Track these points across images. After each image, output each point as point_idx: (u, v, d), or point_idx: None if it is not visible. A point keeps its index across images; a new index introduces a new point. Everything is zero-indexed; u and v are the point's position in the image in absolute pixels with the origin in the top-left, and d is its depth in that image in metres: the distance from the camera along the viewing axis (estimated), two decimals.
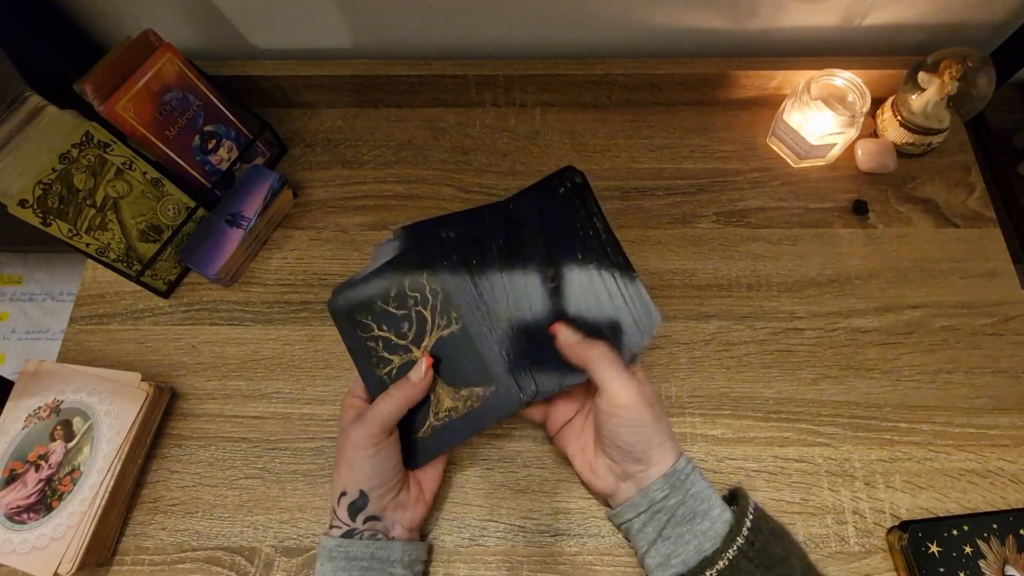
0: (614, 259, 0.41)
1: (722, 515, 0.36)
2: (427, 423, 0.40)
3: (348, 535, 0.37)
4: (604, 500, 0.42)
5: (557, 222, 0.41)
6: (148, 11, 0.55)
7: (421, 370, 0.38)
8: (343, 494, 0.37)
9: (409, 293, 0.40)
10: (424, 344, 0.39)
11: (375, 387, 0.41)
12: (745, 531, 0.35)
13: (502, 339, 0.38)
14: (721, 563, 0.34)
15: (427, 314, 0.39)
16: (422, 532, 0.42)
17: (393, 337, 0.40)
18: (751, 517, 0.36)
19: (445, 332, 0.39)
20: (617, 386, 0.36)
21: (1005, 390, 0.47)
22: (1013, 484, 0.44)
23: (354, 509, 0.37)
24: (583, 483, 0.42)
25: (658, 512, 0.36)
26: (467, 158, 0.58)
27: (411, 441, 0.40)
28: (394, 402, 0.37)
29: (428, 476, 0.42)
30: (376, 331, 0.40)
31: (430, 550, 0.42)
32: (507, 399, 0.38)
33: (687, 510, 0.36)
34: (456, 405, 0.39)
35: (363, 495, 0.37)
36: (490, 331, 0.38)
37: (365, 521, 0.37)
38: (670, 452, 0.37)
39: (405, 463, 0.40)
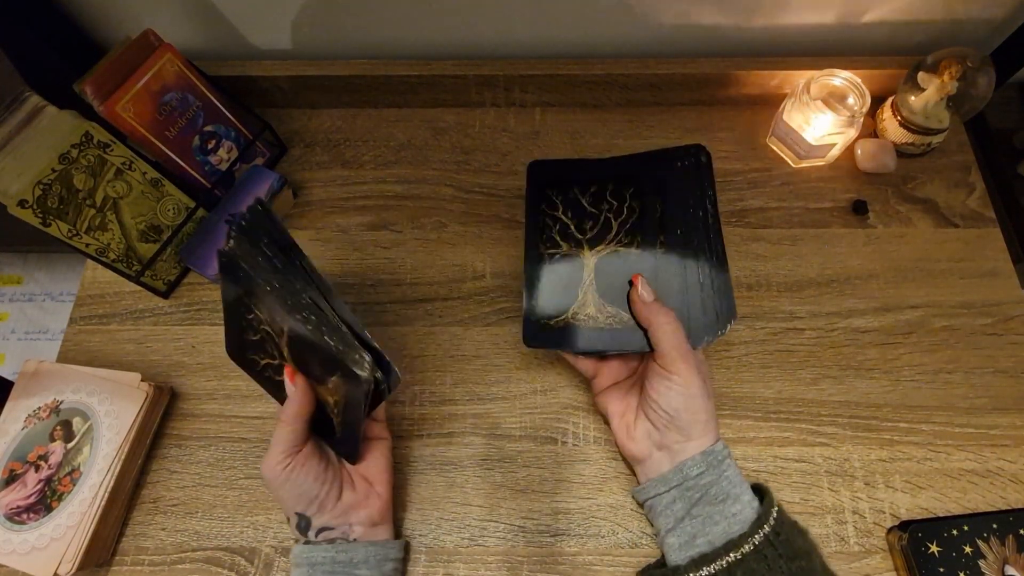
0: (714, 246, 0.41)
1: (752, 502, 0.36)
2: (335, 422, 0.38)
3: (308, 542, 0.38)
4: (633, 466, 0.43)
5: (674, 194, 0.42)
6: (148, 11, 0.55)
7: (288, 382, 0.37)
8: (288, 519, 0.38)
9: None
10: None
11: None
12: (772, 520, 0.35)
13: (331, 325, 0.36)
14: (747, 547, 0.34)
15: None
16: (394, 529, 0.42)
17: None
18: (777, 509, 0.36)
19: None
20: (678, 353, 0.37)
21: (1005, 390, 0.47)
22: (1013, 484, 0.44)
23: (303, 529, 0.38)
24: (618, 444, 0.42)
25: (690, 489, 0.37)
26: (467, 158, 0.58)
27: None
28: (283, 426, 0.37)
29: (372, 471, 0.41)
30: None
31: (405, 547, 0.41)
32: (354, 381, 0.35)
33: (719, 491, 0.36)
34: (337, 398, 0.37)
35: (302, 516, 0.37)
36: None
37: (318, 533, 0.38)
38: (711, 432, 0.38)
39: (347, 457, 0.40)
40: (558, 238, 0.41)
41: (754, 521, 0.35)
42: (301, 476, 0.37)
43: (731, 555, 0.34)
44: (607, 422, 0.43)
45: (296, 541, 0.39)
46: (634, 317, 0.40)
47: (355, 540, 0.38)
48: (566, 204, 0.41)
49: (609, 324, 0.40)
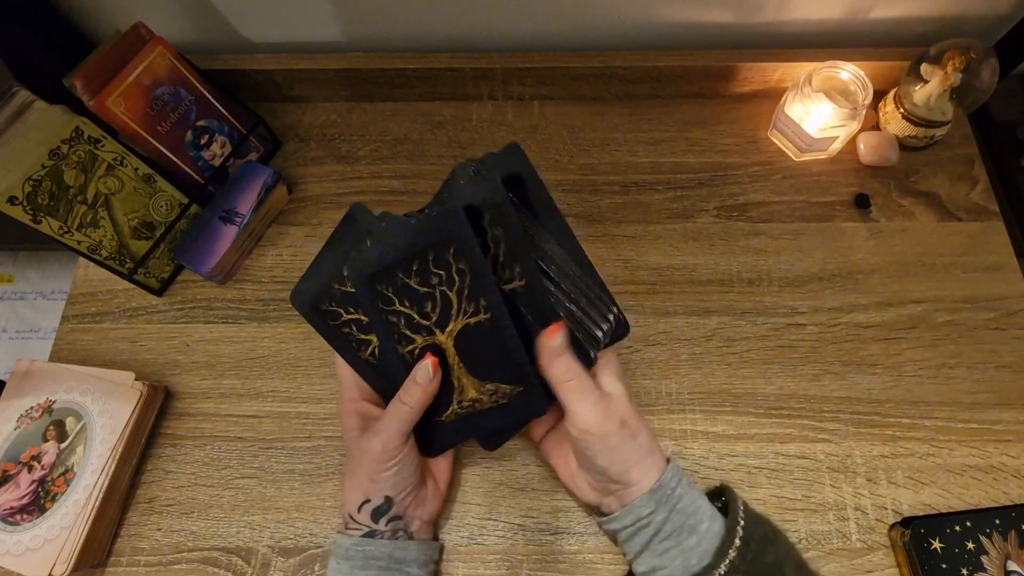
0: (551, 254, 0.37)
1: (711, 527, 0.34)
2: (451, 408, 0.38)
3: (370, 535, 0.36)
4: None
5: (494, 223, 0.36)
6: (138, 4, 0.54)
7: (428, 372, 0.36)
8: (367, 501, 0.36)
9: (434, 270, 0.35)
10: (449, 329, 0.37)
11: (387, 369, 0.37)
12: (737, 542, 0.33)
13: (523, 338, 0.36)
14: None
15: (453, 296, 0.36)
16: (435, 528, 0.42)
17: (416, 315, 0.36)
18: (742, 526, 0.34)
19: (472, 320, 0.36)
20: (581, 409, 0.35)
21: (1008, 385, 0.47)
22: (1016, 479, 0.44)
23: (378, 514, 0.37)
24: (568, 493, 0.42)
25: (644, 527, 0.35)
26: (464, 152, 0.57)
27: (432, 424, 0.39)
28: (408, 412, 0.36)
29: (440, 467, 0.41)
30: (398, 305, 0.37)
31: (442, 549, 0.42)
32: (535, 402, 0.37)
33: (673, 526, 0.34)
34: (481, 398, 0.37)
35: (388, 500, 0.37)
36: (514, 327, 0.36)
37: (388, 522, 0.37)
38: (652, 468, 0.35)
39: (422, 450, 0.39)
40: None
41: (717, 549, 0.33)
42: (408, 463, 0.36)
43: None
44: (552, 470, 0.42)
45: (347, 531, 0.37)
46: (532, 369, 0.36)
47: (411, 534, 0.38)
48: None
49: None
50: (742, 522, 0.34)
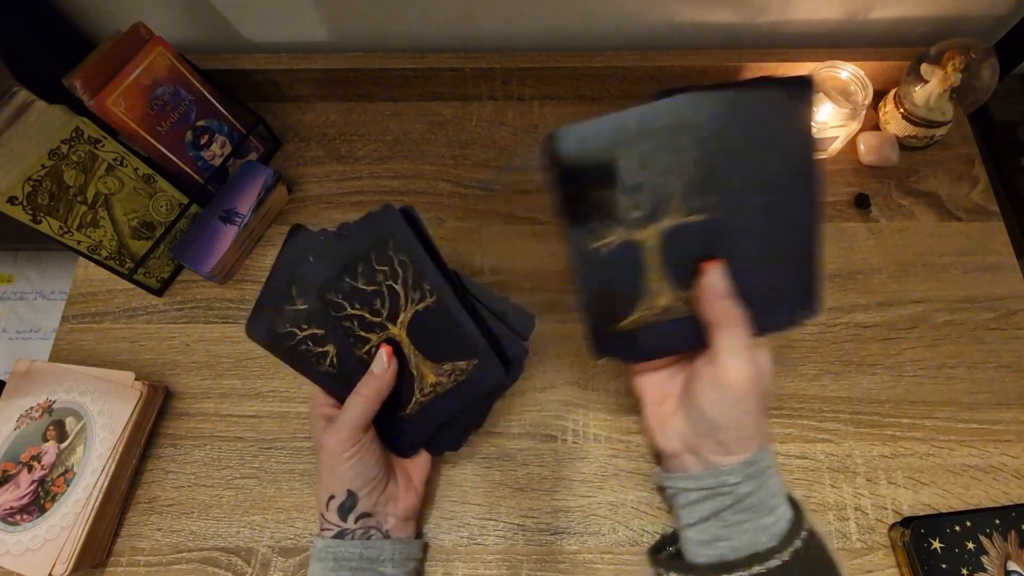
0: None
1: (785, 515, 0.34)
2: (414, 399, 0.39)
3: (340, 535, 0.37)
4: (657, 456, 0.40)
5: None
6: (138, 4, 0.54)
7: (383, 360, 0.37)
8: (331, 497, 0.37)
9: (377, 268, 0.37)
10: (400, 320, 0.38)
11: (347, 375, 0.38)
12: (804, 532, 0.33)
13: (471, 311, 0.37)
14: (774, 561, 0.32)
15: (399, 288, 0.37)
16: (418, 526, 0.42)
17: (367, 314, 0.38)
18: (808, 527, 0.34)
19: (420, 306, 0.37)
20: (737, 362, 0.33)
21: (1008, 385, 0.47)
22: (1016, 479, 0.44)
23: (344, 510, 0.37)
24: (645, 431, 0.40)
25: (724, 495, 0.34)
26: (464, 152, 0.57)
27: (398, 421, 0.39)
28: (364, 401, 0.36)
29: (415, 464, 0.41)
30: (349, 310, 0.38)
31: (425, 548, 0.42)
32: (492, 372, 0.37)
33: (755, 501, 0.33)
34: (440, 380, 0.38)
35: (351, 495, 0.37)
36: (462, 303, 0.37)
37: (357, 519, 0.37)
38: (755, 443, 0.34)
39: (394, 449, 0.40)
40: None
41: (785, 535, 0.33)
42: (367, 455, 0.36)
43: (756, 567, 0.32)
44: (638, 404, 0.40)
45: (321, 533, 0.37)
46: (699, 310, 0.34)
47: (386, 532, 0.38)
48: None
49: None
50: (808, 526, 0.34)
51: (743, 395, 0.33)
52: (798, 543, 0.32)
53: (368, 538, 0.37)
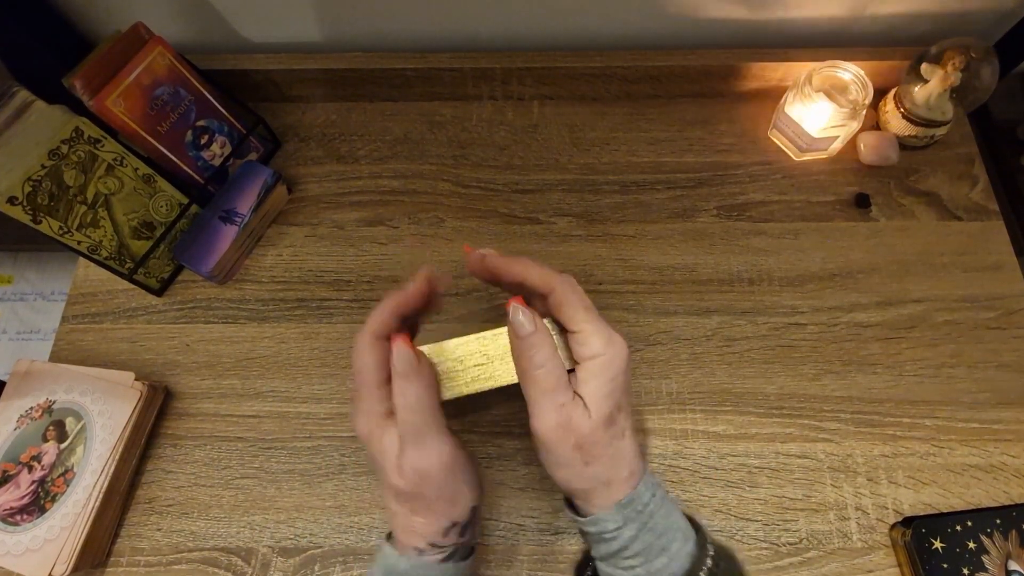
0: None
1: (683, 548, 0.31)
2: None
3: (450, 556, 0.31)
4: None
5: None
6: (138, 4, 0.54)
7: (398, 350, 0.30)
8: (453, 525, 0.31)
9: None
10: None
11: None
12: (707, 565, 0.30)
13: None
14: None
15: None
16: None
17: None
18: (711, 554, 0.31)
19: None
20: (536, 412, 0.29)
21: (1008, 384, 0.47)
22: (1016, 479, 0.44)
23: (462, 528, 0.31)
24: None
25: (609, 541, 0.31)
26: (464, 152, 0.57)
27: None
28: (414, 400, 0.29)
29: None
30: None
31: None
32: None
33: (642, 544, 0.30)
34: None
35: (472, 511, 0.32)
36: None
37: (460, 534, 0.32)
38: (621, 488, 0.30)
39: None
40: None
41: (687, 572, 0.30)
42: (469, 460, 0.32)
43: None
44: None
45: (415, 551, 0.31)
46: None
47: (471, 553, 0.33)
48: None
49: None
50: (710, 548, 0.31)
51: (552, 446, 0.29)
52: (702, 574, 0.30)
53: (457, 558, 0.32)
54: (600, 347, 0.29)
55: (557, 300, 0.30)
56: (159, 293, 0.51)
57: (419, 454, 0.29)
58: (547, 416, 0.29)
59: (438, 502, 0.30)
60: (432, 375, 0.30)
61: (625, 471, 0.31)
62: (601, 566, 0.33)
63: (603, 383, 0.29)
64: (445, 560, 0.31)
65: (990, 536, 0.40)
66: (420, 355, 0.30)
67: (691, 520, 0.33)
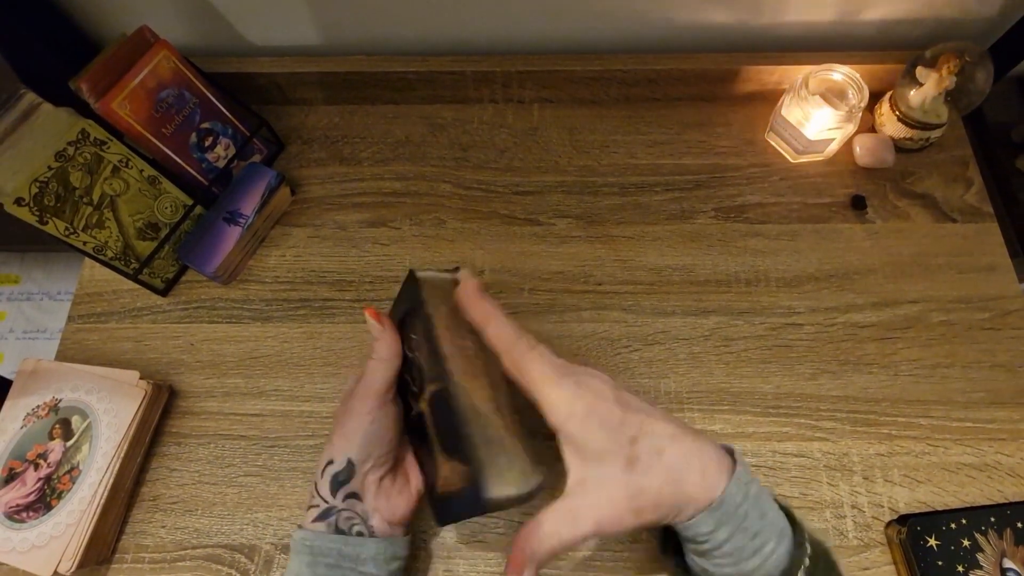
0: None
1: (776, 549, 0.29)
2: (437, 483, 0.35)
3: (325, 514, 0.34)
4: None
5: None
6: (144, 8, 0.55)
7: (370, 323, 0.36)
8: (330, 463, 0.35)
9: (411, 336, 0.36)
10: (424, 396, 0.35)
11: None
12: (804, 566, 0.29)
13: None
14: None
15: (423, 363, 0.35)
16: (408, 525, 0.39)
17: (410, 382, 0.36)
18: (809, 554, 0.29)
19: (434, 387, 0.34)
20: (554, 392, 0.29)
21: (1002, 384, 0.47)
22: (1010, 477, 0.44)
23: (336, 482, 0.34)
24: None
25: (702, 543, 0.30)
26: (465, 154, 0.58)
27: (434, 497, 0.36)
28: (375, 364, 0.35)
29: (415, 471, 0.39)
30: (404, 373, 0.37)
31: (410, 544, 0.39)
32: (472, 492, 0.31)
33: (734, 546, 0.29)
34: (449, 475, 0.34)
35: (350, 464, 0.34)
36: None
37: (345, 499, 0.34)
38: (714, 483, 0.29)
39: (436, 519, 0.36)
40: (411, 399, 0.37)
41: (783, 572, 0.29)
42: (383, 423, 0.35)
43: None
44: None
45: (307, 512, 0.35)
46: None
47: (370, 529, 0.35)
48: (406, 363, 0.37)
49: (462, 482, 0.33)
50: (808, 548, 0.30)
51: (588, 412, 0.29)
52: None
53: (349, 529, 0.34)
54: (565, 410, 0.29)
55: (507, 367, 0.31)
56: (164, 293, 0.52)
57: (353, 395, 0.36)
58: (566, 390, 0.29)
59: (336, 433, 0.35)
60: (393, 348, 0.36)
61: (695, 473, 0.29)
62: (691, 555, 0.32)
63: (595, 437, 0.29)
64: (319, 518, 0.34)
65: (985, 534, 0.41)
66: (383, 322, 0.36)
67: (789, 515, 0.31)
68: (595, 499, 0.29)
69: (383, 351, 0.36)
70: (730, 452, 0.31)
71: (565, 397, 0.29)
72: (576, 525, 0.29)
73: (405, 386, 0.38)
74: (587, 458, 0.29)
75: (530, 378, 0.30)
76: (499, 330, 0.32)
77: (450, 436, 0.33)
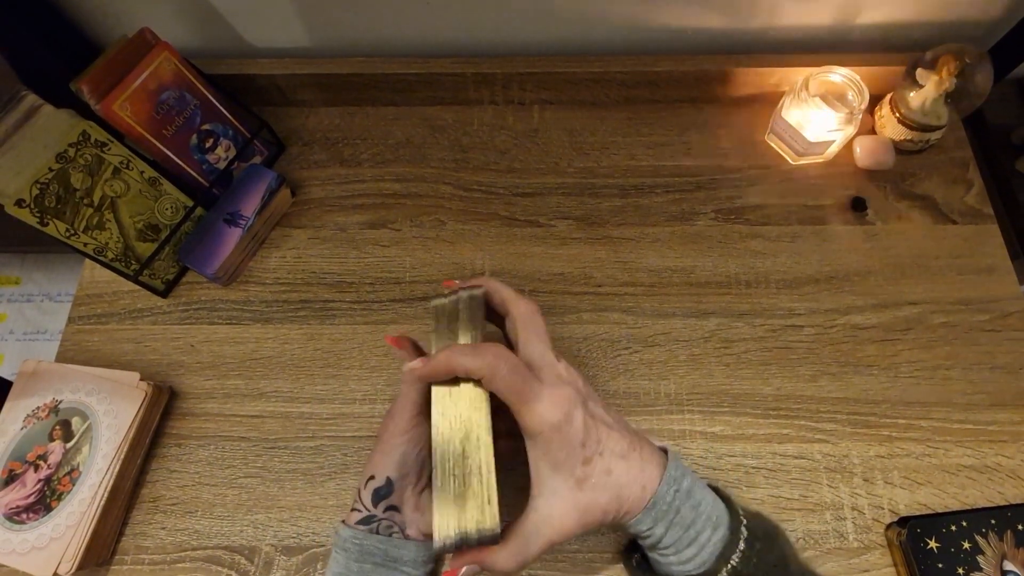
0: None
1: (711, 538, 0.32)
2: None
3: (367, 520, 0.37)
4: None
5: None
6: (144, 9, 0.55)
7: (397, 351, 0.37)
8: (371, 478, 0.37)
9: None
10: None
11: None
12: (740, 548, 0.31)
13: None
14: None
15: None
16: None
17: None
18: (744, 536, 0.32)
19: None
20: (540, 408, 0.30)
21: (1002, 386, 0.47)
22: (1011, 479, 0.44)
23: (378, 496, 0.37)
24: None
25: (644, 538, 0.33)
26: (465, 156, 0.58)
27: None
28: (410, 385, 0.36)
29: None
30: None
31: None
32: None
33: (671, 538, 0.32)
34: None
35: (389, 482, 0.37)
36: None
37: (386, 510, 0.37)
38: (651, 489, 0.31)
39: None
40: None
41: (715, 560, 0.31)
42: (417, 442, 0.36)
43: None
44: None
45: (349, 515, 0.37)
46: None
47: (407, 536, 0.37)
48: None
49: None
50: (744, 532, 0.32)
51: (559, 426, 0.30)
52: (734, 561, 0.31)
53: (390, 534, 0.37)
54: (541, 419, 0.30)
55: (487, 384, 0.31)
56: (164, 294, 0.52)
57: (389, 416, 0.37)
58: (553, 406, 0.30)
59: (376, 452, 0.37)
60: (425, 367, 0.34)
61: (636, 487, 0.31)
62: (647, 553, 0.35)
63: (558, 452, 0.31)
64: (362, 522, 0.36)
65: (985, 536, 0.41)
66: (405, 345, 0.37)
67: (727, 502, 0.33)
68: (547, 515, 0.31)
69: (418, 371, 0.35)
70: (664, 452, 0.34)
71: (544, 406, 0.30)
72: (528, 548, 0.31)
73: None
74: (546, 468, 0.32)
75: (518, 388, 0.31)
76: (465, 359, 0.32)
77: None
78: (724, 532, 0.32)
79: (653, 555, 0.34)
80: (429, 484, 0.38)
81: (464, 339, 0.34)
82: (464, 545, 0.31)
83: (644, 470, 0.32)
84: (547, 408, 0.30)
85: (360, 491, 0.37)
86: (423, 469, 0.38)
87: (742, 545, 0.32)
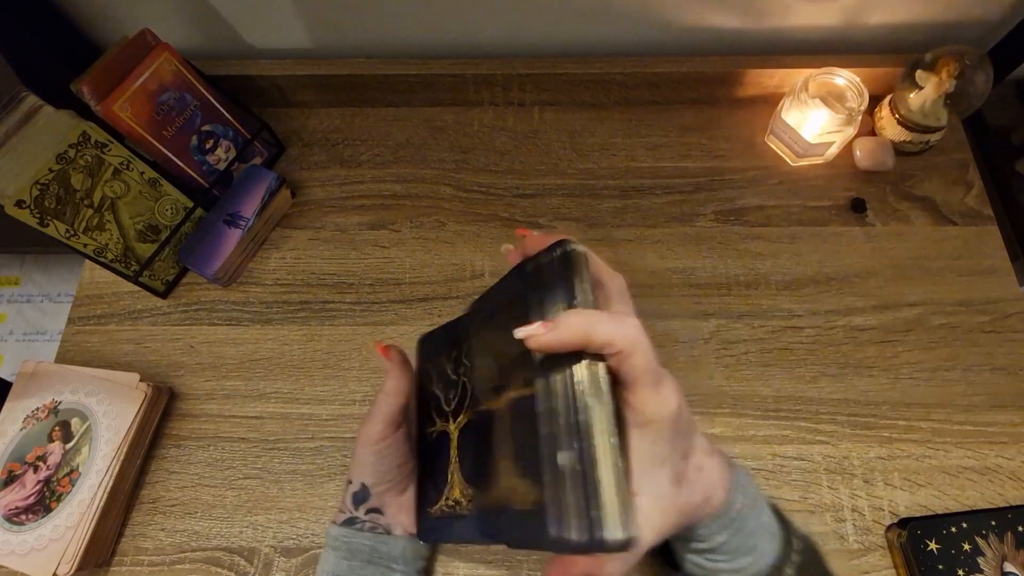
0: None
1: (767, 549, 0.30)
2: (438, 503, 0.36)
3: (349, 522, 0.37)
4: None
5: (535, 309, 0.28)
6: (145, 10, 0.55)
7: (382, 361, 0.36)
8: (349, 482, 0.37)
9: (464, 361, 0.35)
10: (458, 420, 0.35)
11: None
12: (792, 560, 0.30)
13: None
14: None
15: (470, 388, 0.34)
16: None
17: (442, 400, 0.37)
18: (796, 549, 0.31)
19: (475, 413, 0.33)
20: (655, 394, 0.25)
21: (1003, 387, 0.47)
22: (1011, 481, 0.44)
23: (356, 500, 0.37)
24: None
25: (700, 541, 0.30)
26: (465, 157, 0.58)
27: (423, 513, 0.37)
28: (385, 397, 0.36)
29: None
30: (430, 386, 0.38)
31: (431, 547, 0.42)
32: (490, 524, 0.29)
33: (732, 545, 0.30)
34: (461, 500, 0.33)
35: (364, 487, 0.37)
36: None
37: (367, 512, 0.37)
38: (717, 492, 0.29)
39: (418, 534, 0.37)
40: (434, 415, 0.37)
41: (768, 572, 0.30)
42: (388, 453, 0.36)
43: None
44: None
45: (335, 516, 0.38)
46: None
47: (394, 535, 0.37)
48: (439, 376, 0.37)
49: (470, 510, 0.32)
50: (796, 544, 0.31)
51: (674, 417, 0.25)
52: (788, 572, 0.30)
53: (376, 532, 0.37)
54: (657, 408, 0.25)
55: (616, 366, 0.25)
56: (164, 295, 0.52)
57: (363, 424, 0.36)
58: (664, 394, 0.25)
59: (354, 459, 0.37)
60: (404, 380, 0.36)
61: (720, 489, 0.29)
62: (686, 552, 0.32)
63: (664, 444, 0.26)
64: (345, 523, 0.37)
65: (985, 538, 0.41)
66: (392, 355, 0.37)
67: (779, 514, 0.32)
68: (648, 515, 0.26)
69: (390, 386, 0.36)
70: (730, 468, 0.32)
71: (668, 391, 0.26)
72: (633, 553, 0.26)
73: (428, 405, 0.38)
74: (649, 463, 0.26)
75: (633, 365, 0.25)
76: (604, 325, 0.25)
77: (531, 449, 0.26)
78: (779, 543, 0.30)
79: (696, 558, 0.31)
80: (412, 488, 0.38)
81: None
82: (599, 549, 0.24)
83: (725, 471, 0.29)
84: (670, 394, 0.25)
85: (344, 494, 0.38)
86: (402, 474, 0.37)
87: (795, 557, 0.30)
